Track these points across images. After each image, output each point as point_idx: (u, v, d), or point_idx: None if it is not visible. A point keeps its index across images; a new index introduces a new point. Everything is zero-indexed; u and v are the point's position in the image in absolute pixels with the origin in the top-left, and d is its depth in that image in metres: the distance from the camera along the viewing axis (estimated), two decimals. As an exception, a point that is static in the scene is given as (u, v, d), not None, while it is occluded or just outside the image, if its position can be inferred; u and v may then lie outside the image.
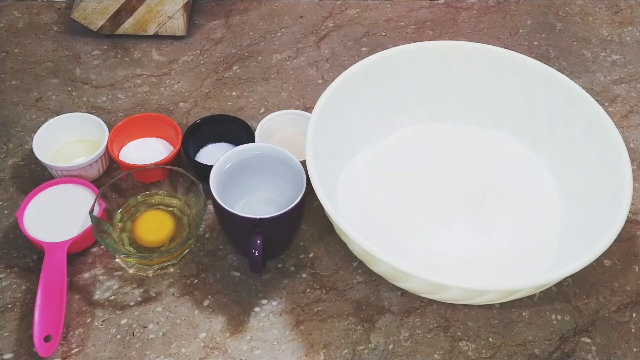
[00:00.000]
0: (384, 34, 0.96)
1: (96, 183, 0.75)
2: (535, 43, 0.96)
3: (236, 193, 0.70)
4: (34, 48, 0.92)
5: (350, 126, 0.74)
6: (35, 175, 0.77)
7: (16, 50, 0.91)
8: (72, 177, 0.73)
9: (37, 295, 0.64)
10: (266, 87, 0.88)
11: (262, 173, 0.70)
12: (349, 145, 0.75)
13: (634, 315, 0.68)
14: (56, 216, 0.70)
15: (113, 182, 0.69)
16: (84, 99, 0.85)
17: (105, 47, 0.92)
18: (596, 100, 0.71)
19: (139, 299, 0.67)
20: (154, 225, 0.69)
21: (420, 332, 0.66)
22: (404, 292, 0.68)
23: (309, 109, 0.84)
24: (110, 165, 0.78)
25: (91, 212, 0.66)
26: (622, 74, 0.92)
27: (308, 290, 0.69)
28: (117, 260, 0.70)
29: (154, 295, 0.68)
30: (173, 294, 0.68)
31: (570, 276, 0.67)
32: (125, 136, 0.78)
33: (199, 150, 0.78)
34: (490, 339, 0.66)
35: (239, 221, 0.64)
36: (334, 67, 0.91)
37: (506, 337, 0.66)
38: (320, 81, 0.89)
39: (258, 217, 0.63)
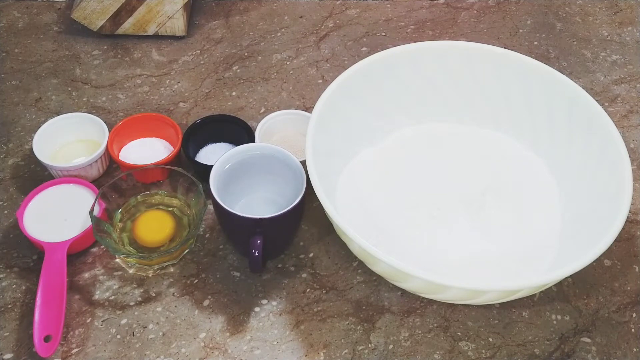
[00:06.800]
0: (384, 34, 0.96)
1: (96, 183, 0.75)
2: (535, 43, 0.96)
3: (236, 193, 0.70)
4: (34, 48, 0.92)
5: (350, 126, 0.74)
6: (35, 175, 0.77)
7: (16, 50, 0.91)
8: (72, 177, 0.73)
9: (37, 295, 0.64)
10: (266, 87, 0.88)
11: (262, 173, 0.70)
12: (349, 145, 0.75)
13: (634, 315, 0.68)
14: (56, 216, 0.70)
15: (113, 182, 0.69)
16: (84, 99, 0.85)
17: (105, 47, 0.92)
18: (596, 100, 0.71)
19: (139, 299, 0.67)
20: (154, 225, 0.69)
21: (420, 332, 0.66)
22: (404, 292, 0.68)
23: (309, 109, 0.84)
24: (110, 165, 0.78)
25: (91, 212, 0.66)
26: (622, 74, 0.92)
27: (308, 290, 0.69)
28: (117, 260, 0.70)
29: (154, 295, 0.68)
30: (173, 294, 0.68)
31: (570, 276, 0.68)
32: (125, 136, 0.78)
33: (199, 150, 0.78)
34: (490, 339, 0.66)
35: (239, 221, 0.64)
36: (334, 67, 0.91)
37: (506, 337, 0.66)
38: (320, 81, 0.89)
39: (258, 217, 0.63)
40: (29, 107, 0.84)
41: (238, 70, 0.90)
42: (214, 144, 0.78)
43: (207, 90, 0.87)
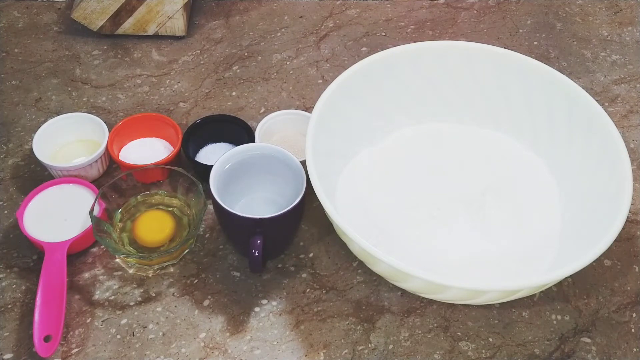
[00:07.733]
0: (384, 34, 0.96)
1: (96, 183, 0.75)
2: (535, 43, 0.96)
3: (236, 193, 0.70)
4: (34, 48, 0.92)
5: (350, 126, 0.74)
6: (35, 175, 0.77)
7: (16, 50, 0.91)
8: (72, 177, 0.73)
9: (37, 295, 0.64)
10: (266, 87, 0.88)
11: (262, 173, 0.70)
12: (349, 145, 0.75)
13: (634, 315, 0.68)
14: (56, 216, 0.70)
15: (113, 182, 0.69)
16: (84, 99, 0.85)
17: (105, 47, 0.92)
18: (596, 100, 0.71)
19: (139, 299, 0.67)
20: (154, 225, 0.69)
21: (420, 332, 0.66)
22: (404, 292, 0.68)
23: (309, 109, 0.84)
24: (110, 165, 0.78)
25: (91, 212, 0.66)
26: (622, 74, 0.92)
27: (308, 290, 0.69)
28: (117, 260, 0.70)
29: (154, 295, 0.68)
30: (173, 294, 0.68)
31: (570, 276, 0.68)
32: (125, 136, 0.78)
33: (199, 150, 0.78)
34: (490, 339, 0.66)
35: (239, 221, 0.64)
36: (334, 67, 0.91)
37: (506, 337, 0.66)
38: (320, 81, 0.89)
39: (258, 217, 0.63)
40: (29, 107, 0.84)
41: (238, 70, 0.90)
42: (214, 144, 0.78)
43: (207, 90, 0.87)
